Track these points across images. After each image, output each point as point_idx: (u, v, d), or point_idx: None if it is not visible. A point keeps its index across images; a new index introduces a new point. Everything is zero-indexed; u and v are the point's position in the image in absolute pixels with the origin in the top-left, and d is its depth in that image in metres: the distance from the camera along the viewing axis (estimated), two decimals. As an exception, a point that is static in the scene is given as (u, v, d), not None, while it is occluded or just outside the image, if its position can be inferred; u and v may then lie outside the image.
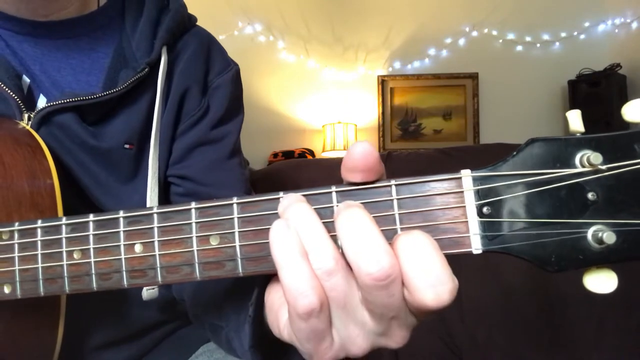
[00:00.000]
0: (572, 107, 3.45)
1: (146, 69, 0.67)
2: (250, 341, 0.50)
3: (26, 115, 0.63)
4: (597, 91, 3.32)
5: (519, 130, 3.55)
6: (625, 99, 3.37)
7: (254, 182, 1.14)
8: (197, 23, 0.80)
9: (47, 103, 0.64)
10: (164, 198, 0.73)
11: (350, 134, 3.64)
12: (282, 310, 0.40)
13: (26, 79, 0.66)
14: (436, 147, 1.64)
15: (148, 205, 0.67)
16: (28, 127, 0.61)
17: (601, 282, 0.31)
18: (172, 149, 0.73)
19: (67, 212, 0.56)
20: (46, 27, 0.67)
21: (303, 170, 1.50)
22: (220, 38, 3.76)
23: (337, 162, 1.67)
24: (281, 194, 0.37)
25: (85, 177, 0.66)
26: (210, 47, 0.78)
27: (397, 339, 0.35)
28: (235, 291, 0.57)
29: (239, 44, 3.76)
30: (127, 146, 0.68)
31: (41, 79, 0.67)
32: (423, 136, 3.85)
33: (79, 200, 0.66)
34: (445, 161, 1.50)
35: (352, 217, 0.32)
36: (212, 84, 0.75)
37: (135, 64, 0.69)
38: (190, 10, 0.79)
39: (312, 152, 3.68)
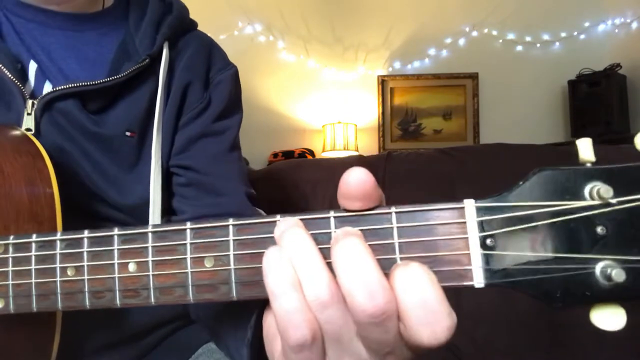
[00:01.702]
0: (572, 107, 3.45)
1: (147, 60, 0.70)
2: None
3: (30, 102, 0.65)
4: (597, 91, 3.32)
5: (519, 130, 3.54)
6: (625, 99, 3.36)
7: (254, 182, 1.14)
8: (198, 23, 0.84)
9: (52, 89, 0.66)
10: (166, 187, 0.75)
11: (350, 134, 3.63)
12: (277, 340, 0.38)
13: (33, 65, 0.68)
14: (436, 147, 1.64)
15: (151, 192, 0.69)
16: (30, 135, 0.61)
17: (609, 319, 0.30)
18: (175, 140, 0.75)
19: (69, 202, 0.57)
20: (56, 18, 0.71)
21: (303, 170, 1.50)
22: (220, 38, 3.76)
23: (337, 163, 1.67)
24: (278, 217, 0.36)
25: (87, 165, 0.68)
26: (211, 47, 0.81)
27: None
28: (235, 303, 0.57)
29: (239, 44, 3.75)
30: (128, 134, 0.70)
31: (47, 65, 0.69)
32: (423, 136, 3.84)
33: (81, 190, 0.67)
34: (445, 161, 1.49)
35: (348, 247, 0.31)
36: (214, 79, 0.78)
37: (138, 57, 0.71)
38: (191, 10, 0.83)
39: (312, 152, 3.68)
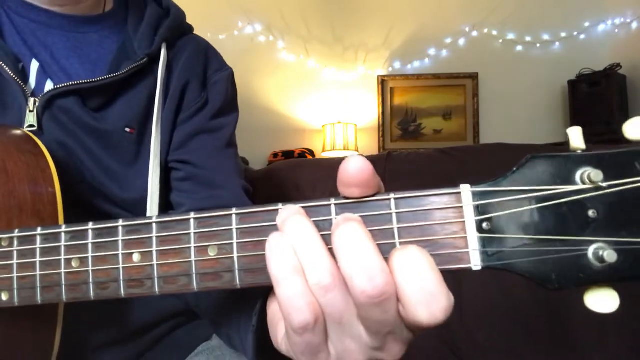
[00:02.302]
0: (572, 107, 3.45)
1: (145, 59, 0.72)
2: (253, 350, 0.50)
3: (32, 100, 0.66)
4: (597, 91, 3.32)
5: (519, 130, 3.54)
6: (625, 99, 3.37)
7: (254, 181, 1.14)
8: (198, 23, 0.87)
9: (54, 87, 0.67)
10: (165, 182, 0.76)
11: (350, 134, 3.64)
12: (280, 324, 0.39)
13: (35, 64, 0.70)
14: (436, 147, 1.64)
15: (149, 186, 0.70)
16: (32, 135, 0.62)
17: (602, 301, 0.31)
18: (174, 136, 0.77)
19: (70, 199, 0.58)
20: (60, 19, 0.73)
21: (303, 170, 1.50)
22: (220, 38, 3.77)
23: (337, 162, 1.67)
24: (280, 205, 0.36)
25: (88, 160, 0.69)
26: (207, 49, 0.84)
27: (393, 353, 0.35)
28: (239, 293, 0.58)
29: (239, 44, 3.76)
30: (127, 130, 0.72)
31: (50, 63, 0.71)
32: (423, 136, 3.85)
33: (82, 184, 0.68)
34: (445, 161, 1.49)
35: (348, 232, 0.32)
36: (211, 79, 0.80)
37: (136, 57, 0.73)
38: (191, 10, 0.85)
39: (312, 152, 3.68)
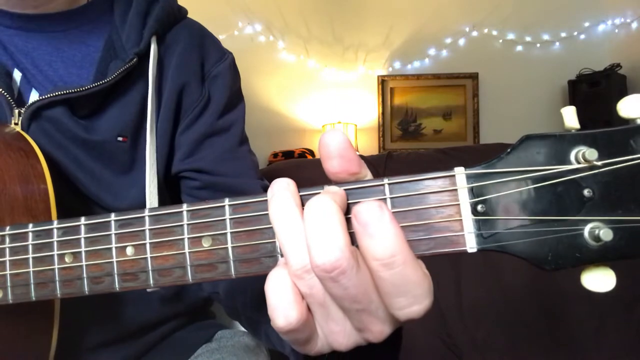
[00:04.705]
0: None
1: (134, 59, 0.67)
2: (290, 347, 0.50)
3: (16, 112, 0.63)
4: (597, 91, 3.32)
5: (519, 130, 3.48)
6: (625, 99, 3.36)
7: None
8: (198, 23, 0.80)
9: (39, 97, 0.64)
10: (165, 192, 0.73)
11: (350, 134, 3.63)
12: None
13: (18, 74, 0.66)
14: (436, 147, 1.64)
15: (147, 198, 0.67)
16: (22, 132, 0.61)
17: (599, 280, 0.31)
18: (181, 143, 0.72)
19: (62, 209, 0.57)
20: (37, 21, 0.68)
21: (303, 170, 1.50)
22: (220, 38, 3.70)
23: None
24: None
25: (80, 172, 0.66)
26: (203, 38, 0.78)
27: (375, 332, 0.34)
28: None
29: (239, 44, 3.75)
30: (120, 139, 0.68)
31: (33, 73, 0.67)
32: (423, 136, 3.84)
33: (74, 196, 0.66)
34: (446, 161, 1.50)
35: (315, 203, 0.32)
36: (210, 73, 0.75)
37: (125, 55, 0.68)
38: (191, 10, 0.79)
39: (312, 152, 3.67)
